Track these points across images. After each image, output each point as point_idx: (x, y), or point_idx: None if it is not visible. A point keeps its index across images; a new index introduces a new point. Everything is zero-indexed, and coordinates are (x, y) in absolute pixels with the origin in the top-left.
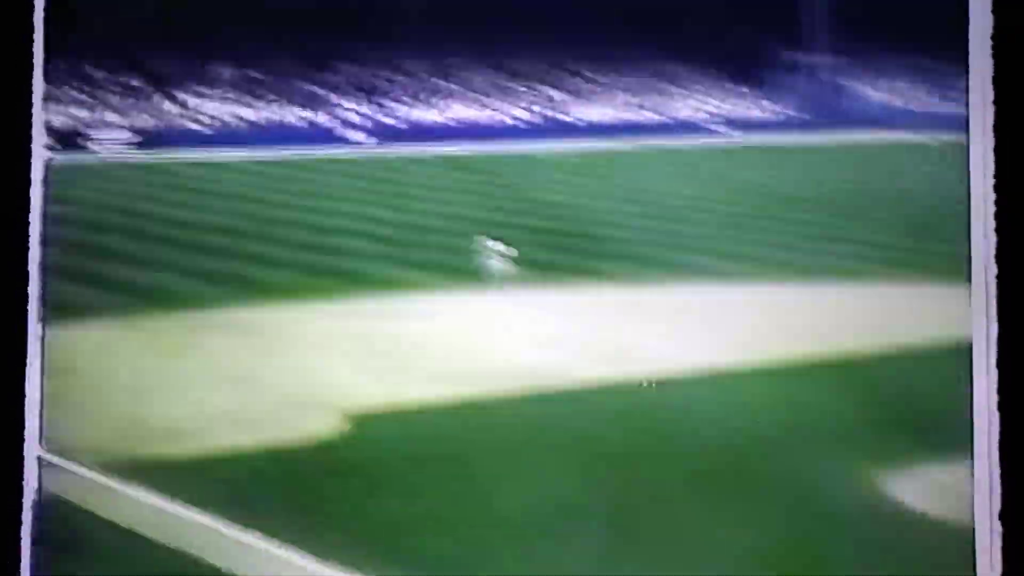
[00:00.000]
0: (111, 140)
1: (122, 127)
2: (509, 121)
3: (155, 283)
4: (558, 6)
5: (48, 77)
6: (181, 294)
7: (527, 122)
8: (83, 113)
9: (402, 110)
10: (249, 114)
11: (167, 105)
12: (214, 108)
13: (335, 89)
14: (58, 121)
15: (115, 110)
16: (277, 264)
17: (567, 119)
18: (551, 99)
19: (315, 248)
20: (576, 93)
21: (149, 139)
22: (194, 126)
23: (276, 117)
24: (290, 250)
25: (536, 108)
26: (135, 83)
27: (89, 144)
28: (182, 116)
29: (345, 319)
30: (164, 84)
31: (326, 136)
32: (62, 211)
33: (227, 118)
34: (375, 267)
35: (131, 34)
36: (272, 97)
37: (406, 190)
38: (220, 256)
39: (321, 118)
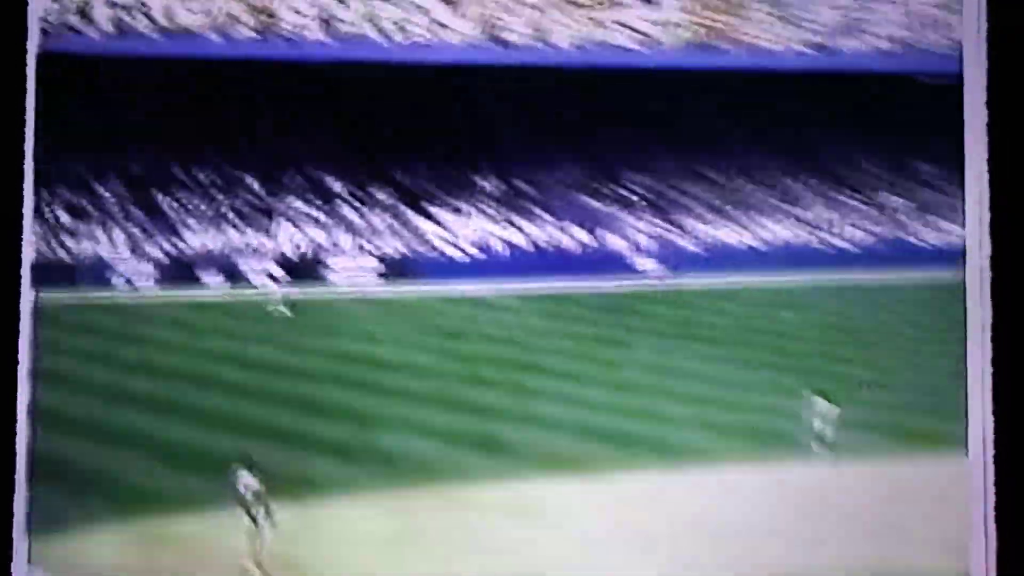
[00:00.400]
0: (351, 269)
1: (364, 252)
2: (839, 243)
3: (397, 448)
4: (904, 89)
5: (272, 189)
6: (433, 463)
7: (860, 245)
8: (318, 234)
9: (701, 230)
10: (515, 236)
11: (419, 223)
12: (473, 228)
13: (620, 204)
14: (287, 247)
15: (355, 231)
16: (555, 427)
17: (913, 241)
18: (894, 214)
19: (598, 407)
20: (927, 207)
21: (394, 267)
22: (449, 251)
23: (548, 240)
24: (569, 408)
25: (874, 227)
26: (380, 196)
27: (327, 274)
28: (435, 238)
29: (637, 497)
30: (414, 198)
31: (610, 263)
32: (276, 359)
33: (489, 241)
34: (671, 432)
35: (374, 138)
36: (544, 215)
37: (708, 332)
38: (482, 416)
39: (603, 241)
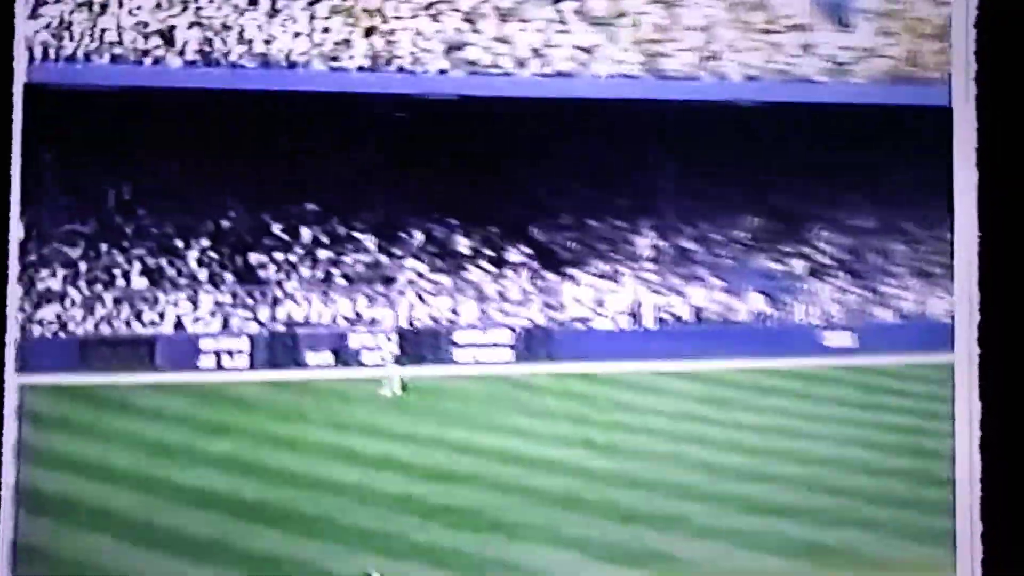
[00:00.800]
0: (480, 345)
1: (495, 324)
2: None
3: (533, 562)
4: None
5: (388, 249)
6: None
7: None
8: (442, 302)
9: (903, 297)
10: (676, 305)
11: (560, 289)
12: (626, 296)
13: (806, 265)
14: (405, 318)
15: (485, 299)
16: (724, 536)
17: None
18: None
19: (777, 511)
20: None
21: (530, 341)
22: (596, 323)
23: (718, 311)
24: (740, 513)
25: None
26: (515, 258)
27: (452, 350)
28: (579, 307)
29: None
30: (554, 260)
31: (791, 337)
32: (392, 452)
33: (644, 311)
34: (866, 539)
35: (508, 187)
36: (712, 280)
37: (908, 421)
38: (633, 523)
39: (785, 310)
